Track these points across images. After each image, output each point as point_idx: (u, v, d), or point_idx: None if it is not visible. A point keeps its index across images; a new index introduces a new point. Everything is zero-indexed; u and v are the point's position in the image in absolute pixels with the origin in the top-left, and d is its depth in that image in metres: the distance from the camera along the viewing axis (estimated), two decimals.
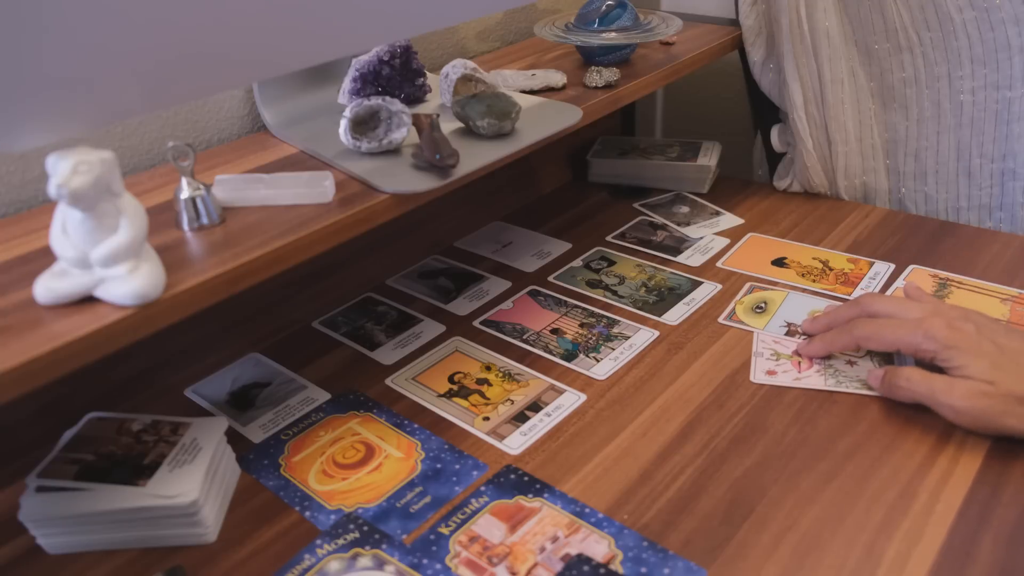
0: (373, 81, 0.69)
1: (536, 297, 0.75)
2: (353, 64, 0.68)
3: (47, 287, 0.44)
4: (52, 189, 0.41)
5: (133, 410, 0.59)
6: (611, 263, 0.80)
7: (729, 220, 0.86)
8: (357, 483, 0.55)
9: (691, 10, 0.98)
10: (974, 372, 0.52)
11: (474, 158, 0.60)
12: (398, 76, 0.70)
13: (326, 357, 0.69)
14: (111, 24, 0.37)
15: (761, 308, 0.70)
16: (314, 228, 0.52)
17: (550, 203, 0.95)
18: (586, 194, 0.96)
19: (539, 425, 0.59)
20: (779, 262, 0.77)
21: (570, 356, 0.66)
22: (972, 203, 0.83)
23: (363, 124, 0.61)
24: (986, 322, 0.56)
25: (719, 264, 0.78)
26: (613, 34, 0.78)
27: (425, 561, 0.48)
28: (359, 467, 0.56)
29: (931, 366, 0.55)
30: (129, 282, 0.44)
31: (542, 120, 0.67)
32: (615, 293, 0.75)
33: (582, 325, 0.70)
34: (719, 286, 0.74)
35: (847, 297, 0.70)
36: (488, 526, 0.50)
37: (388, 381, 0.65)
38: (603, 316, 0.71)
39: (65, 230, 0.44)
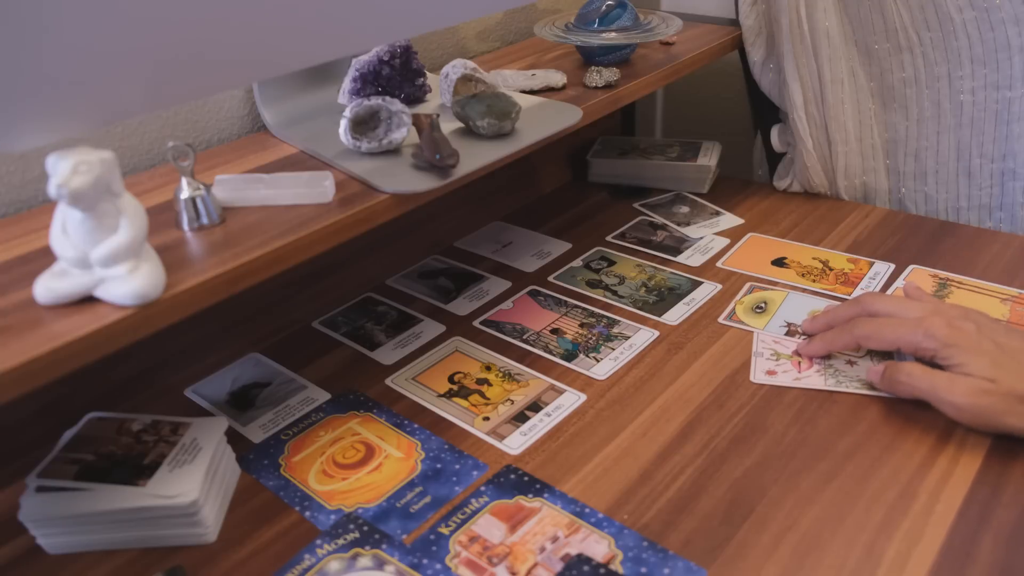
0: (373, 81, 0.69)
1: (536, 297, 0.75)
2: (353, 64, 0.68)
3: (47, 287, 0.44)
4: (52, 189, 0.41)
5: (133, 410, 0.59)
6: (611, 263, 0.80)
7: (729, 220, 0.86)
8: (357, 483, 0.55)
9: (691, 10, 0.98)
10: (974, 370, 0.52)
11: (474, 158, 0.60)
12: (398, 76, 0.70)
13: (326, 357, 0.69)
14: (111, 24, 0.37)
15: (761, 308, 0.70)
16: (314, 228, 0.52)
17: (550, 203, 0.95)
18: (586, 194, 0.96)
19: (539, 425, 0.59)
20: (779, 262, 0.77)
21: (570, 356, 0.66)
22: (972, 203, 0.83)
23: (363, 124, 0.61)
24: (986, 321, 0.56)
25: (719, 264, 0.78)
26: (613, 34, 0.78)
27: (425, 561, 0.48)
28: (359, 467, 0.56)
29: (931, 365, 0.55)
30: (129, 282, 0.44)
31: (542, 120, 0.67)
32: (615, 293, 0.75)
33: (582, 325, 0.70)
34: (719, 286, 0.74)
35: (847, 297, 0.70)
36: (488, 526, 0.50)
37: (388, 381, 0.65)
38: (603, 316, 0.71)
39: (65, 230, 0.44)
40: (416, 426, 0.60)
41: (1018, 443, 0.52)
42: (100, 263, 0.44)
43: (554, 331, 0.70)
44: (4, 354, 0.40)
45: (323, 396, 0.64)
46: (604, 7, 0.80)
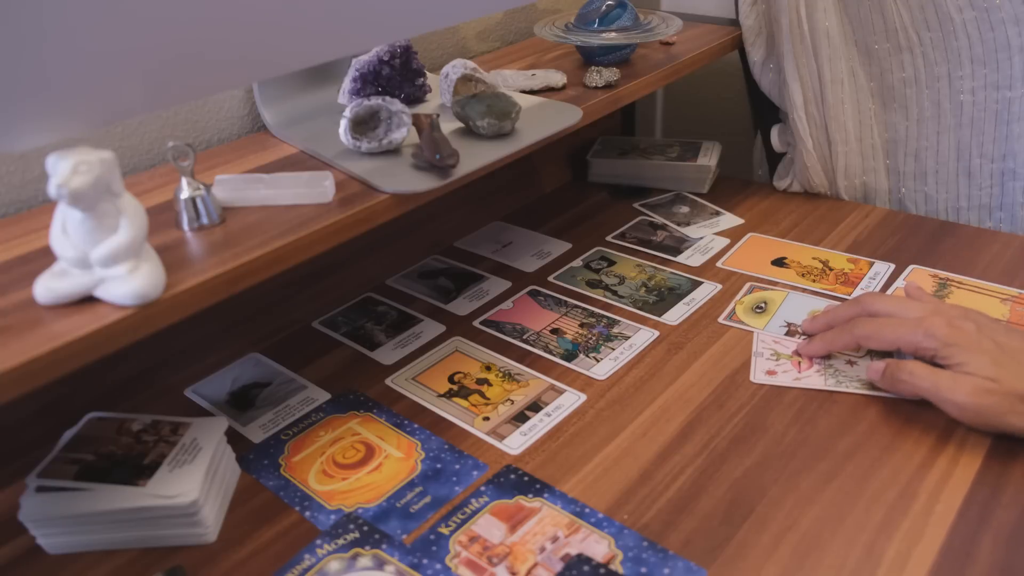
0: (373, 81, 0.69)
1: (536, 297, 0.75)
2: (353, 64, 0.68)
3: (47, 287, 0.44)
4: (52, 189, 0.41)
5: (133, 410, 0.59)
6: (611, 263, 0.80)
7: (729, 220, 0.86)
8: (357, 483, 0.55)
9: (691, 10, 0.98)
10: (975, 369, 0.52)
11: (474, 158, 0.60)
12: (398, 76, 0.70)
13: (326, 357, 0.69)
14: (111, 24, 0.37)
15: (761, 308, 0.70)
16: (314, 228, 0.52)
17: (550, 203, 0.95)
18: (586, 194, 0.96)
19: (539, 425, 0.59)
20: (779, 262, 0.77)
21: (570, 356, 0.66)
22: (972, 203, 0.83)
23: (363, 124, 0.61)
24: (986, 321, 0.56)
25: (719, 264, 0.78)
26: (613, 34, 0.78)
27: (425, 561, 0.48)
28: (359, 467, 0.56)
29: (931, 365, 0.55)
30: (129, 282, 0.44)
31: (542, 120, 0.67)
32: (615, 293, 0.75)
33: (582, 325, 0.70)
34: (719, 286, 0.74)
35: (847, 297, 0.70)
36: (488, 526, 0.50)
37: (388, 381, 0.65)
38: (603, 316, 0.71)
39: (65, 230, 0.44)
40: (416, 426, 0.60)
41: (1018, 443, 0.52)
42: (100, 263, 0.44)
43: (554, 331, 0.70)
44: (4, 354, 0.40)
45: (323, 396, 0.64)
46: (604, 7, 0.80)
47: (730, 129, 1.10)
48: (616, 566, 0.47)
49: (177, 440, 0.53)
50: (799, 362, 0.63)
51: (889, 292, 0.71)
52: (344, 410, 0.62)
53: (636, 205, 0.92)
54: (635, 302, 0.73)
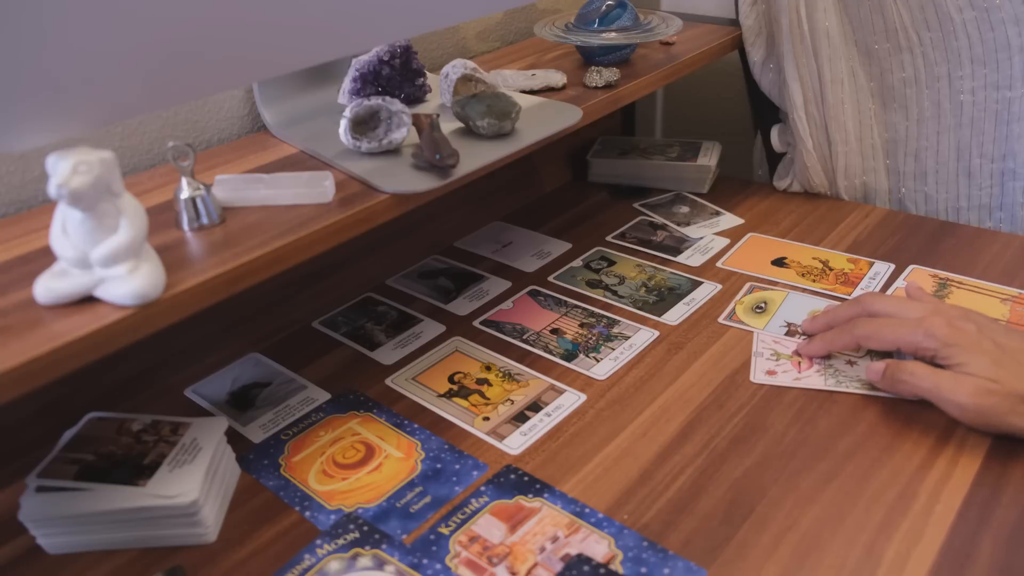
0: (373, 81, 0.69)
1: (536, 297, 0.75)
2: (353, 64, 0.68)
3: (47, 287, 0.44)
4: (52, 189, 0.41)
5: (133, 410, 0.59)
6: (611, 263, 0.80)
7: (729, 220, 0.86)
8: (357, 483, 0.55)
9: (691, 10, 0.98)
10: (976, 369, 0.52)
11: (474, 158, 0.60)
12: (398, 76, 0.70)
13: (326, 357, 0.69)
14: (111, 24, 0.37)
15: (761, 308, 0.70)
16: (314, 228, 0.52)
17: (550, 203, 0.95)
18: (586, 194, 0.96)
19: (539, 425, 0.59)
20: (779, 262, 0.77)
21: (570, 356, 0.66)
22: (972, 203, 0.83)
23: (363, 124, 0.61)
24: (986, 322, 0.56)
25: (719, 264, 0.78)
26: (613, 34, 0.78)
27: (425, 561, 0.48)
28: (359, 467, 0.56)
29: (931, 365, 0.55)
30: (129, 282, 0.44)
31: (542, 120, 0.67)
32: (615, 293, 0.75)
33: (582, 325, 0.70)
34: (719, 286, 0.74)
35: (847, 297, 0.70)
36: (488, 526, 0.50)
37: (388, 381, 0.65)
38: (603, 316, 0.71)
39: (65, 230, 0.44)
40: (416, 426, 0.60)
41: (1018, 443, 0.52)
42: (100, 263, 0.44)
43: (554, 331, 0.70)
44: (4, 354, 0.40)
45: (323, 396, 0.64)
46: (604, 7, 0.80)
47: (730, 129, 1.10)
48: (616, 566, 0.47)
49: (177, 440, 0.53)
50: (799, 362, 0.63)
51: (889, 292, 0.71)
52: (344, 410, 0.62)
53: (636, 205, 0.92)
54: (635, 302, 0.73)
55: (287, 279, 0.66)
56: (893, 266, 0.74)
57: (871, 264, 0.75)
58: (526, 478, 0.54)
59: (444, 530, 0.50)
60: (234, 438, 0.59)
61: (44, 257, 0.48)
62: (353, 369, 0.67)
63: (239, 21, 0.42)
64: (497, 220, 0.91)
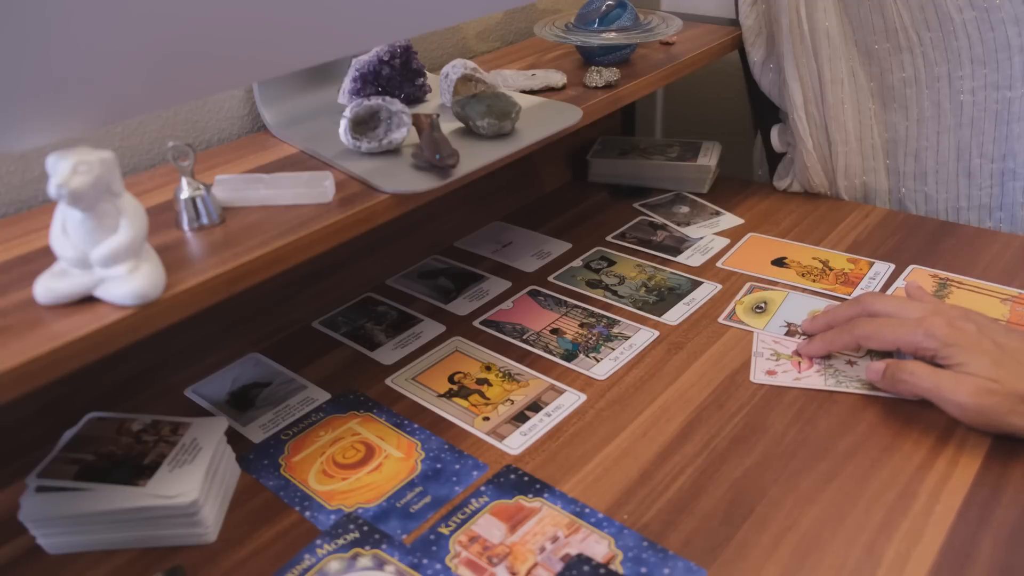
0: (373, 81, 0.69)
1: (536, 297, 0.75)
2: (353, 64, 0.68)
3: (47, 287, 0.44)
4: (52, 189, 0.41)
5: (133, 410, 0.59)
6: (611, 263, 0.80)
7: (729, 220, 0.86)
8: (357, 483, 0.55)
9: (691, 10, 0.98)
10: (976, 369, 0.52)
11: (474, 158, 0.60)
12: (398, 76, 0.70)
13: (326, 357, 0.69)
14: (111, 24, 0.37)
15: (761, 308, 0.70)
16: (314, 228, 0.52)
17: (550, 203, 0.95)
18: (586, 194, 0.96)
19: (539, 425, 0.59)
20: (779, 262, 0.77)
21: (570, 356, 0.66)
22: (972, 203, 0.83)
23: (363, 124, 0.61)
24: (986, 322, 0.56)
25: (719, 264, 0.78)
26: (613, 34, 0.78)
27: (425, 561, 0.48)
28: (359, 467, 0.56)
29: (931, 365, 0.55)
30: (129, 282, 0.44)
31: (542, 120, 0.67)
32: (615, 293, 0.75)
33: (582, 325, 0.70)
34: (719, 286, 0.74)
35: (847, 297, 0.70)
36: (488, 526, 0.50)
37: (388, 381, 0.65)
38: (603, 316, 0.71)
39: (65, 230, 0.44)
40: (416, 426, 0.60)
41: (1018, 443, 0.52)
42: (100, 263, 0.44)
43: (554, 331, 0.70)
44: (4, 354, 0.40)
45: (323, 396, 0.64)
46: (604, 7, 0.80)
47: (730, 129, 1.10)
48: (616, 566, 0.47)
49: (177, 440, 0.53)
50: (799, 362, 0.63)
51: (889, 292, 0.71)
52: (344, 410, 0.62)
53: (636, 205, 0.92)
54: (635, 302, 0.73)
55: (287, 279, 0.66)
56: (893, 266, 0.74)
57: (871, 264, 0.75)
58: (526, 478, 0.54)
59: (444, 530, 0.50)
60: (234, 438, 0.59)
61: (44, 257, 0.48)
62: (353, 369, 0.67)
63: (239, 21, 0.42)
64: (497, 220, 0.91)
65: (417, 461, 0.56)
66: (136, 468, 0.51)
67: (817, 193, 0.89)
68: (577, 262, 0.81)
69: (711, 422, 0.58)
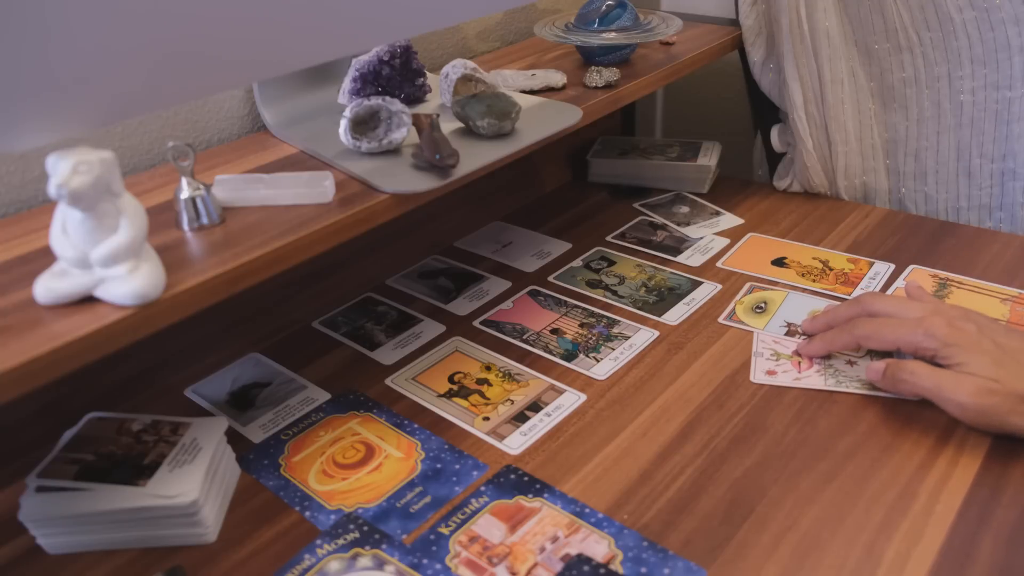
0: (373, 81, 0.69)
1: (536, 297, 0.75)
2: (353, 64, 0.68)
3: (47, 287, 0.44)
4: (52, 189, 0.41)
5: (133, 410, 0.59)
6: (611, 263, 0.80)
7: (729, 220, 0.86)
8: (357, 483, 0.55)
9: (691, 10, 0.98)
10: (976, 369, 0.52)
11: (474, 158, 0.60)
12: (398, 76, 0.70)
13: (326, 357, 0.69)
14: (111, 24, 0.37)
15: (761, 308, 0.70)
16: (314, 228, 0.52)
17: (550, 203, 0.95)
18: (586, 194, 0.96)
19: (539, 425, 0.59)
20: (779, 262, 0.77)
21: (570, 356, 0.66)
22: (972, 203, 0.83)
23: (363, 124, 0.61)
24: (986, 322, 0.56)
25: (719, 264, 0.78)
26: (613, 34, 0.78)
27: (425, 561, 0.48)
28: (359, 467, 0.56)
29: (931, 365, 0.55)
30: (129, 282, 0.44)
31: (542, 120, 0.67)
32: (615, 293, 0.75)
33: (582, 325, 0.70)
34: (719, 286, 0.74)
35: (847, 297, 0.70)
36: (488, 526, 0.50)
37: (388, 381, 0.65)
38: (603, 316, 0.71)
39: (65, 230, 0.44)
40: (416, 426, 0.60)
41: (1018, 443, 0.52)
42: (100, 263, 0.44)
43: (554, 331, 0.70)
44: (4, 354, 0.40)
45: (323, 396, 0.64)
46: (604, 7, 0.80)
47: (730, 129, 1.10)
48: (616, 566, 0.47)
49: (177, 440, 0.53)
50: (799, 362, 0.63)
51: (889, 292, 0.71)
52: (344, 410, 0.62)
53: (636, 205, 0.92)
54: (635, 302, 0.73)
55: (287, 279, 0.66)
56: (893, 266, 0.74)
57: (871, 264, 0.75)
58: (526, 478, 0.54)
59: (444, 530, 0.50)
60: (234, 438, 0.59)
61: (44, 257, 0.48)
62: (353, 369, 0.67)
63: (239, 21, 0.42)
64: (497, 220, 0.91)
65: (417, 461, 0.56)
66: (136, 468, 0.51)
67: (817, 193, 0.89)
68: (577, 262, 0.81)
69: (711, 422, 0.58)
